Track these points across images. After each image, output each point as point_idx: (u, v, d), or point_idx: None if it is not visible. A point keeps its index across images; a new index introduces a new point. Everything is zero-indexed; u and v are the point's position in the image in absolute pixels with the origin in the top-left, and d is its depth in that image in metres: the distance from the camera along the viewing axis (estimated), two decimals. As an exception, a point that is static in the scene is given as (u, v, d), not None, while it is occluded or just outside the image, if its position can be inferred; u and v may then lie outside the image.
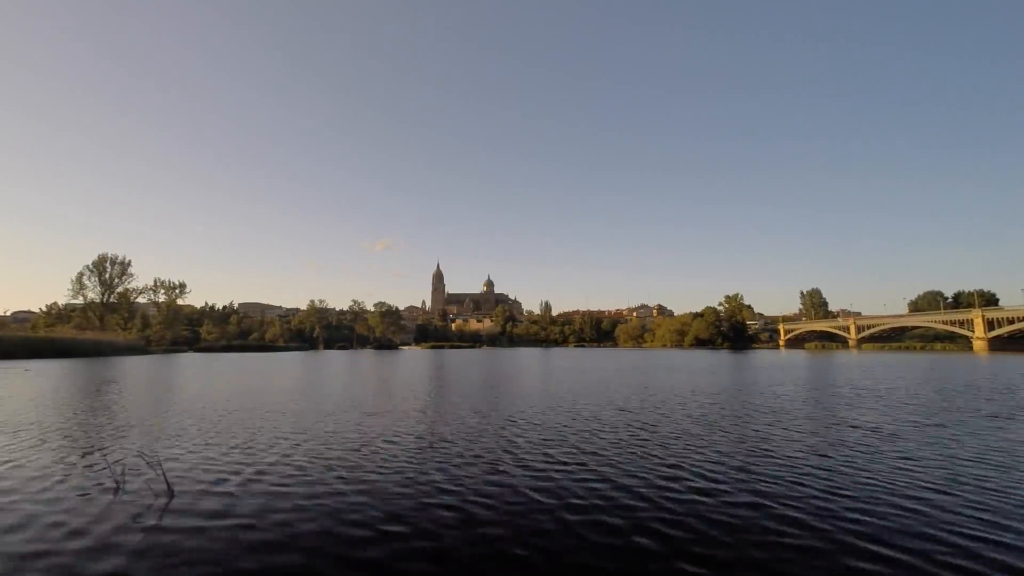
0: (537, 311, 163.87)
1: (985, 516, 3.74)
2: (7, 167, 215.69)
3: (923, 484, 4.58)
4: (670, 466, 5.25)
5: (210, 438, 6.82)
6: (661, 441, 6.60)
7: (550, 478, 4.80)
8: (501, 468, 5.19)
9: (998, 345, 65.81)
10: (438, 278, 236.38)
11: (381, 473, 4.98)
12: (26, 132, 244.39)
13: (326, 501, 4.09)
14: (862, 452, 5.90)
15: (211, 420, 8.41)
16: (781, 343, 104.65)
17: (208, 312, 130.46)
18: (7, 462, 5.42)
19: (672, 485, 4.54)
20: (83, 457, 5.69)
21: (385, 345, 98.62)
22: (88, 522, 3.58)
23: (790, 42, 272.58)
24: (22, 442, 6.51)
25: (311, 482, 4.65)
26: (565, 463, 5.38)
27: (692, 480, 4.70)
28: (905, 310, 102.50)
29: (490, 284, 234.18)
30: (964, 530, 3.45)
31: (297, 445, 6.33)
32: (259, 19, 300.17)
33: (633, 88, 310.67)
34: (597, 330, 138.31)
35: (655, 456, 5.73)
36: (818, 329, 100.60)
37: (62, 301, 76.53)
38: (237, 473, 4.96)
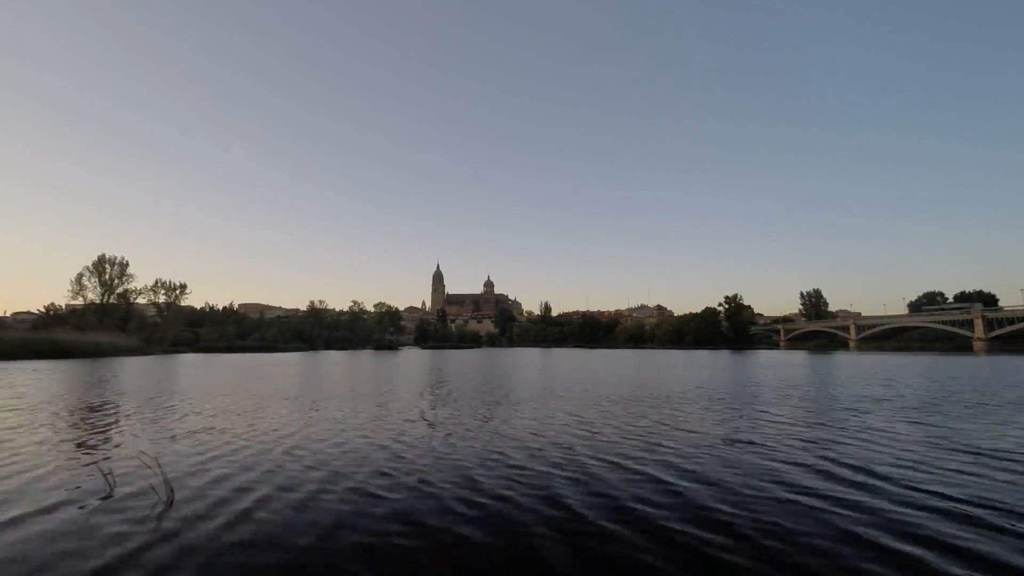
0: (537, 311, 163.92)
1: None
2: (7, 167, 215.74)
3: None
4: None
5: (211, 438, 6.81)
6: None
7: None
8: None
9: (998, 346, 65.82)
10: (438, 278, 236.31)
11: (389, 472, 4.99)
12: (26, 131, 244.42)
13: (334, 502, 4.10)
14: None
15: (211, 420, 8.41)
16: (781, 343, 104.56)
17: (208, 313, 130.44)
18: (3, 463, 5.42)
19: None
20: (81, 457, 5.69)
21: (385, 346, 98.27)
22: (82, 526, 3.57)
23: (790, 40, 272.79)
24: (22, 442, 6.51)
25: (317, 482, 4.66)
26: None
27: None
28: (905, 310, 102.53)
29: (490, 284, 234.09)
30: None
31: (301, 444, 6.35)
32: (257, 14, 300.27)
33: (634, 86, 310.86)
34: (596, 330, 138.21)
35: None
36: (818, 329, 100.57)
37: (62, 302, 76.54)
38: (238, 474, 4.97)
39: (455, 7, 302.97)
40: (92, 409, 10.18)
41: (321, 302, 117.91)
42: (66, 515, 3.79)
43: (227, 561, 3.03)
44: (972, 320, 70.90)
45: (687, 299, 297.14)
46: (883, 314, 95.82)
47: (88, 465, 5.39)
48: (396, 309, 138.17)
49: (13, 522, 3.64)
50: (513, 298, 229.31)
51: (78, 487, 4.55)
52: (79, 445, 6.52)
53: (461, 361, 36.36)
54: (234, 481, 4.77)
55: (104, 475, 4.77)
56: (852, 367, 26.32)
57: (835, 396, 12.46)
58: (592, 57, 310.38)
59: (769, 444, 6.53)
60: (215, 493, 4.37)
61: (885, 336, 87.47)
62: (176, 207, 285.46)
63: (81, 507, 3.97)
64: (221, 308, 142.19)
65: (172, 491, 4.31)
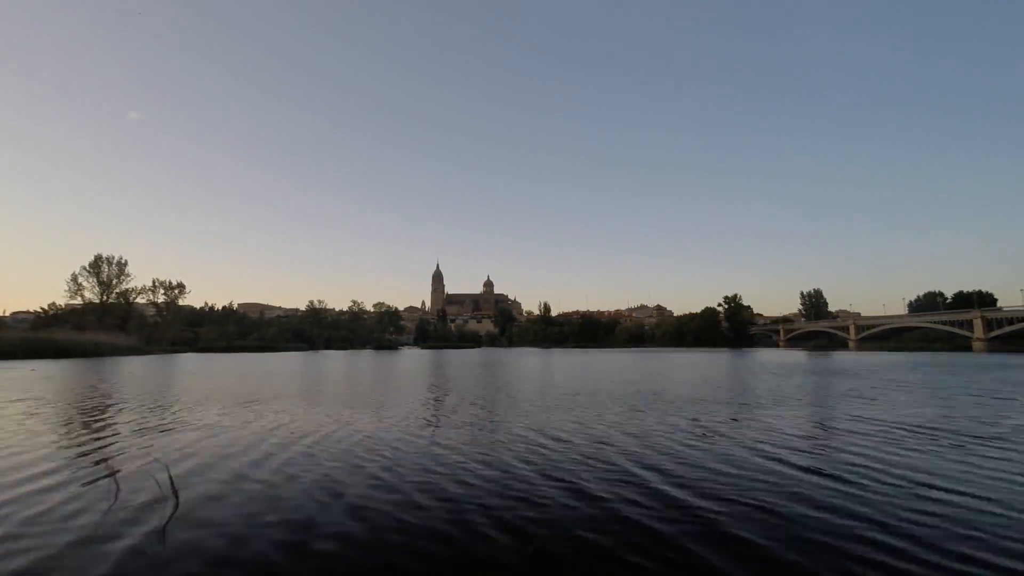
0: (536, 311, 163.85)
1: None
2: (7, 167, 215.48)
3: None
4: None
5: (215, 438, 6.76)
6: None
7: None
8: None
9: (997, 345, 65.94)
10: (437, 278, 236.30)
11: (395, 472, 4.94)
12: (25, 132, 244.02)
13: (345, 506, 4.06)
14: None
15: (215, 420, 8.35)
16: (781, 343, 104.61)
17: (208, 313, 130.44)
18: (6, 465, 5.36)
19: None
20: (86, 458, 5.64)
21: (384, 346, 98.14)
22: (89, 529, 3.51)
23: (790, 42, 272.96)
24: (23, 442, 6.45)
25: (321, 482, 4.61)
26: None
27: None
28: (905, 311, 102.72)
29: (489, 284, 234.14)
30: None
31: (305, 443, 6.30)
32: (256, 18, 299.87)
33: (634, 87, 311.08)
34: (596, 330, 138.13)
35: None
36: (818, 329, 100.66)
37: (61, 301, 76.33)
38: (243, 474, 4.92)
39: (457, 11, 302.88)
40: (93, 408, 10.12)
41: (321, 302, 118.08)
42: (73, 518, 3.73)
43: (234, 563, 2.99)
44: (971, 320, 71.03)
45: (687, 299, 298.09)
46: (883, 314, 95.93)
47: (93, 465, 5.34)
48: (396, 309, 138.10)
49: (18, 525, 3.59)
50: (513, 298, 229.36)
51: (84, 489, 4.49)
52: (82, 445, 6.46)
53: (460, 361, 36.34)
54: (240, 482, 4.72)
55: (110, 476, 4.71)
56: (853, 368, 26.28)
57: (833, 399, 12.45)
58: (591, 59, 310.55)
59: (762, 445, 6.49)
60: (222, 495, 4.32)
61: (885, 336, 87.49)
62: (176, 207, 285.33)
63: (87, 509, 3.91)
64: (221, 308, 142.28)
65: (177, 493, 4.26)
